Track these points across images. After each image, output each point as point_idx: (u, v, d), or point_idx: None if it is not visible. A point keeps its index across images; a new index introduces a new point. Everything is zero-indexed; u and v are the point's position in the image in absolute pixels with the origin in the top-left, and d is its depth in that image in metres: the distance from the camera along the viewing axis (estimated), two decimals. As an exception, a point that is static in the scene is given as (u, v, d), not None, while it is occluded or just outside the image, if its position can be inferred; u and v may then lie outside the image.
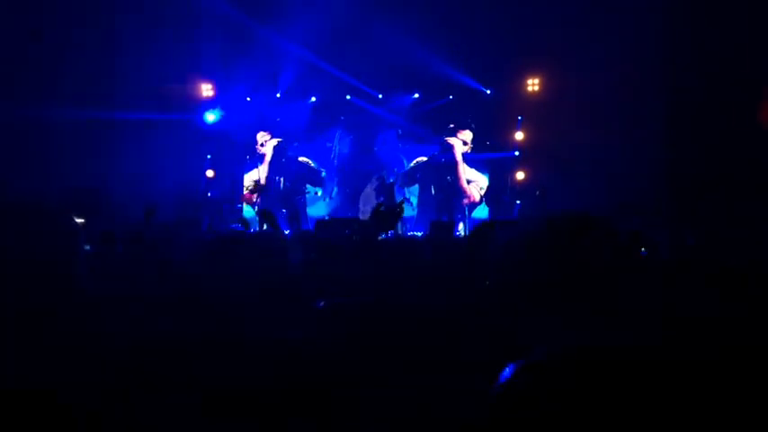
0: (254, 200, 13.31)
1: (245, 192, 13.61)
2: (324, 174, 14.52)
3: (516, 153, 13.59)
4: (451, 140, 14.06)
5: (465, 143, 14.12)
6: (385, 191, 13.61)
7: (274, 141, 14.46)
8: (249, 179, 14.63)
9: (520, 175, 13.53)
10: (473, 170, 14.16)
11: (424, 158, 14.37)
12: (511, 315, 2.02)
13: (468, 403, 1.14)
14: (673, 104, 10.65)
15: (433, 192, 14.18)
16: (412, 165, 14.46)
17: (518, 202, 13.38)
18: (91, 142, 11.49)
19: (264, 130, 14.54)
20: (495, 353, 1.49)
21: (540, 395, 0.94)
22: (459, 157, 13.99)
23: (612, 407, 0.88)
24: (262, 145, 14.57)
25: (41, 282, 1.06)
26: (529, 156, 13.46)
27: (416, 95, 13.90)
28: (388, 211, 3.75)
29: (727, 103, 9.64)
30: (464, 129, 14.09)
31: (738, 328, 0.99)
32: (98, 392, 0.92)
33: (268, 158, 14.49)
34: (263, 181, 14.40)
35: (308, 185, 14.53)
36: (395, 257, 3.84)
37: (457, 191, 14.03)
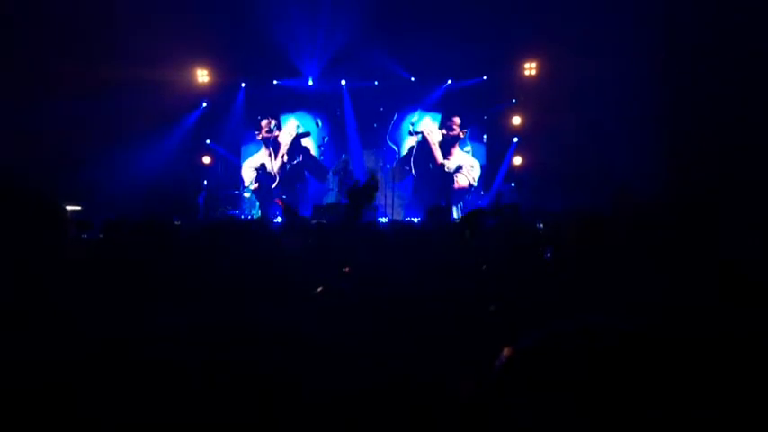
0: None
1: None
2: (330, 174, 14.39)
3: (515, 140, 13.58)
4: (421, 128, 14.15)
5: (451, 129, 14.14)
6: (344, 175, 13.56)
7: (292, 130, 14.41)
8: (250, 167, 14.58)
9: (517, 160, 13.53)
10: (466, 155, 14.16)
11: (412, 145, 14.37)
12: (505, 300, 2.03)
13: (466, 388, 1.14)
14: (672, 88, 10.62)
15: (423, 179, 14.23)
16: (403, 156, 14.44)
17: (512, 184, 13.40)
18: (87, 131, 11.44)
19: (267, 117, 14.52)
20: (490, 338, 1.49)
21: (534, 380, 0.94)
22: (434, 146, 14.10)
23: (603, 389, 0.88)
24: (269, 131, 14.54)
25: (28, 267, 1.05)
26: (527, 140, 13.44)
27: (413, 79, 13.80)
28: (359, 189, 3.73)
29: (727, 85, 9.62)
30: (452, 115, 14.15)
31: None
32: (91, 381, 0.92)
33: (285, 148, 14.46)
34: (276, 169, 14.37)
35: (306, 171, 14.50)
36: (390, 243, 3.84)
37: (445, 176, 14.06)
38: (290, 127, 14.57)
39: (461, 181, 14.09)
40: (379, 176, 14.00)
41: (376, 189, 4.01)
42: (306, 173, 14.48)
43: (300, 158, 14.51)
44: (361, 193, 3.77)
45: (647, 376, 0.84)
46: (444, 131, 14.18)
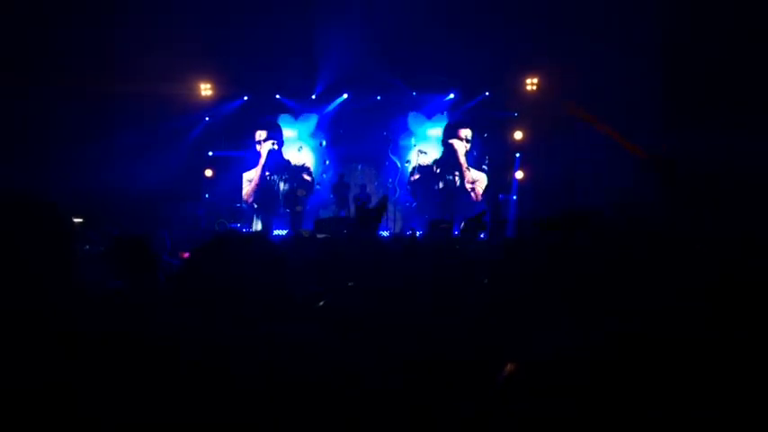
0: None
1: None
2: (318, 186, 14.38)
3: (518, 155, 13.66)
4: (453, 143, 14.18)
5: (468, 141, 14.22)
6: (339, 188, 13.59)
7: (268, 144, 14.52)
8: (246, 179, 14.65)
9: (519, 174, 13.60)
10: (475, 170, 14.23)
11: (422, 162, 14.34)
12: (507, 314, 2.03)
13: (467, 398, 1.14)
14: (671, 102, 10.67)
15: (435, 192, 14.21)
16: (410, 172, 14.38)
17: (514, 197, 13.46)
18: (90, 141, 11.49)
19: (262, 129, 14.60)
20: (491, 351, 1.49)
21: (537, 392, 0.94)
22: (462, 159, 14.15)
23: (606, 403, 0.88)
24: (258, 143, 14.63)
25: (33, 281, 1.05)
26: (527, 154, 13.50)
27: (414, 93, 13.88)
28: (371, 210, 3.71)
29: (726, 100, 9.66)
30: (464, 127, 14.20)
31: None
32: (95, 391, 0.92)
33: (262, 161, 14.56)
34: (256, 181, 14.45)
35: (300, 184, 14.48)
36: (394, 256, 3.83)
37: (458, 191, 14.11)
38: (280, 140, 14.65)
39: (470, 194, 14.13)
40: (377, 190, 14.12)
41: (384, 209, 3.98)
42: (301, 185, 14.44)
43: (285, 171, 14.54)
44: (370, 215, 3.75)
45: (648, 376, 0.84)
46: (465, 145, 14.26)
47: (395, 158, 14.49)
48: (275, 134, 14.59)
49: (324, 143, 14.47)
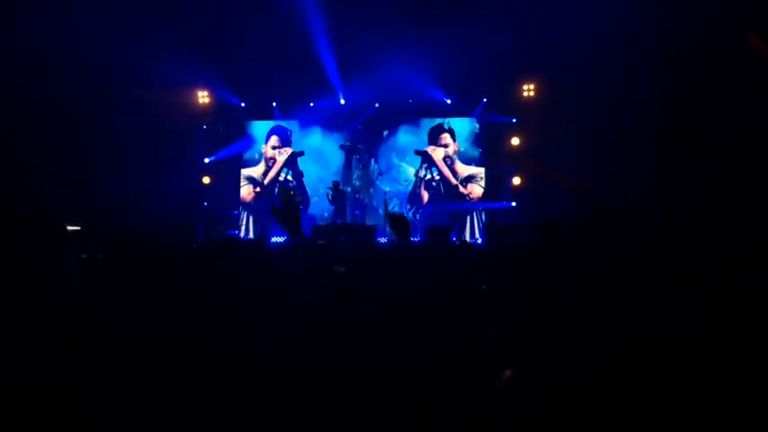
0: None
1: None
2: (316, 197, 14.37)
3: (514, 166, 13.67)
4: (428, 149, 14.17)
5: (446, 145, 14.17)
6: (335, 196, 13.65)
7: (289, 151, 14.52)
8: (245, 175, 14.63)
9: (516, 181, 13.58)
10: (469, 166, 14.16)
11: (413, 171, 14.35)
12: (505, 317, 2.03)
13: (467, 402, 1.14)
14: (669, 107, 10.71)
15: (438, 201, 14.23)
16: (414, 185, 14.38)
17: (513, 203, 13.45)
18: (88, 148, 11.48)
19: (277, 134, 14.61)
20: (490, 354, 1.49)
21: (537, 392, 0.94)
22: (440, 164, 14.10)
23: (606, 404, 0.88)
24: (273, 148, 14.61)
25: (28, 287, 1.05)
26: (525, 160, 13.49)
27: (410, 101, 13.92)
28: (402, 219, 3.75)
29: (724, 104, 9.70)
30: (443, 132, 14.21)
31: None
32: (94, 392, 0.92)
33: (278, 166, 14.55)
34: (267, 182, 14.46)
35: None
36: (392, 263, 3.84)
37: (453, 194, 14.07)
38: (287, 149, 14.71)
39: (475, 191, 14.07)
40: (372, 198, 14.15)
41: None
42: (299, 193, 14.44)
43: (291, 178, 14.56)
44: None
45: (648, 376, 0.84)
46: (445, 148, 14.24)
47: (395, 164, 14.49)
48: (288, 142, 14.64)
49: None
